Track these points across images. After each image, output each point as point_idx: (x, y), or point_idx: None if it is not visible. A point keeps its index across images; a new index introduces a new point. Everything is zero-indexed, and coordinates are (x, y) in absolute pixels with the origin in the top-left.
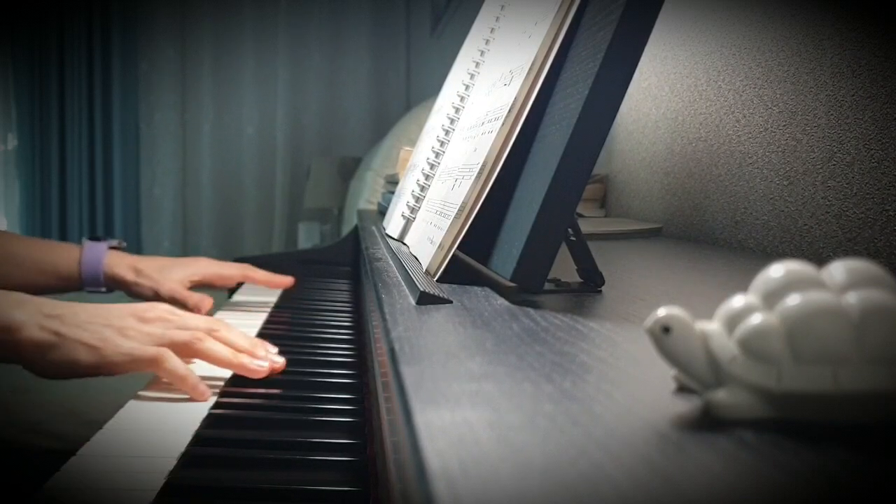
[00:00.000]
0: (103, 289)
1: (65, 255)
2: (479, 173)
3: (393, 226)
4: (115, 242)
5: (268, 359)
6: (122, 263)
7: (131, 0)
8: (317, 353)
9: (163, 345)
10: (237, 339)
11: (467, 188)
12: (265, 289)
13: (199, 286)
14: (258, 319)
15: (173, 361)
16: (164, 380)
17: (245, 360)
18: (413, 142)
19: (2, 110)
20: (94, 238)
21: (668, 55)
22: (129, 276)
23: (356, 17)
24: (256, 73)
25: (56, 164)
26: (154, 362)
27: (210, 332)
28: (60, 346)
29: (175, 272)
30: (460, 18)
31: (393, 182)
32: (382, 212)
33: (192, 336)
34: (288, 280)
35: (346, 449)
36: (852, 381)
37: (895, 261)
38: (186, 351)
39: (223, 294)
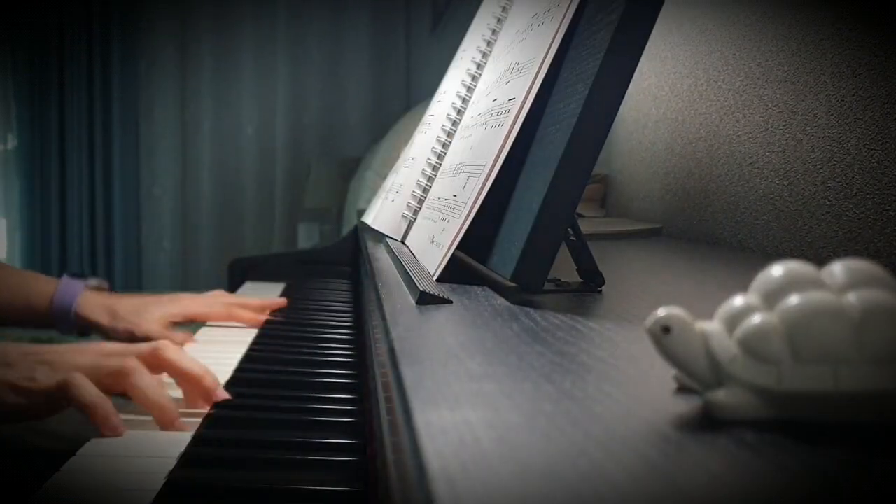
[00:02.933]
0: (75, 331)
1: (40, 289)
2: (480, 173)
3: (382, 222)
4: (94, 282)
5: (216, 393)
6: (96, 305)
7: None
8: (316, 353)
9: (93, 377)
10: (186, 361)
11: (468, 188)
12: (265, 289)
13: (183, 324)
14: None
15: (81, 388)
16: (76, 408)
17: (167, 403)
18: None
19: (1, 110)
20: (76, 275)
21: (668, 55)
22: (104, 319)
23: (356, 16)
24: (256, 73)
25: (56, 164)
26: (61, 389)
27: (154, 354)
28: None
29: (153, 312)
30: (461, 18)
31: None
32: None
33: (123, 367)
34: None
35: (346, 449)
36: (852, 381)
37: (895, 261)
38: (119, 383)
39: None
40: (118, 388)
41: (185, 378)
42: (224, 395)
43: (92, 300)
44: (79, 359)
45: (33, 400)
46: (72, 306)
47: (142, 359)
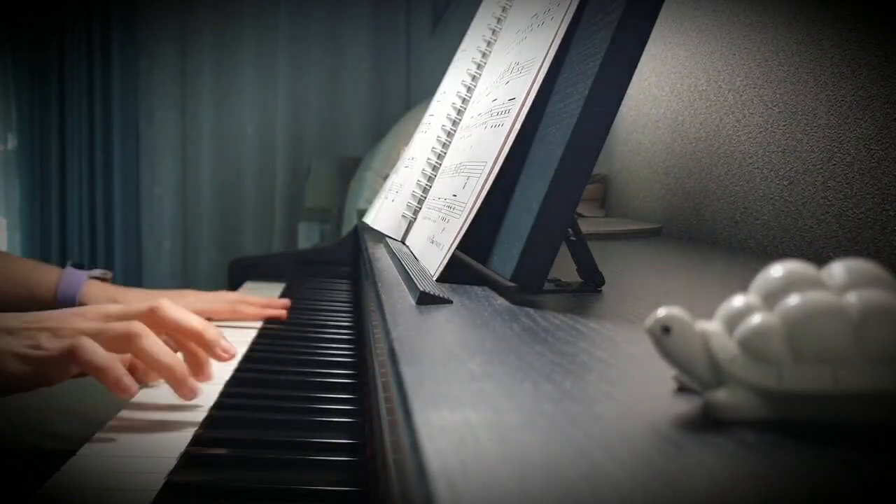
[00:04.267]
0: None
1: (43, 278)
2: (480, 173)
3: (382, 221)
4: (98, 273)
5: (219, 345)
6: (100, 296)
7: (131, 0)
8: (317, 353)
9: (99, 341)
10: (186, 317)
11: (468, 187)
12: (265, 289)
13: None
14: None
15: (90, 352)
16: (86, 371)
17: (176, 362)
18: None
19: (2, 110)
20: (79, 266)
21: (668, 55)
22: None
23: (356, 16)
24: (256, 73)
25: (56, 163)
26: (69, 354)
27: (154, 313)
28: None
29: None
30: (460, 18)
31: None
32: None
33: (128, 330)
34: (282, 312)
35: (346, 449)
36: (852, 381)
37: (895, 261)
38: (125, 346)
39: None
40: (124, 352)
41: (185, 334)
42: (230, 348)
43: (96, 290)
44: (82, 324)
45: (40, 367)
46: (76, 296)
47: (141, 319)
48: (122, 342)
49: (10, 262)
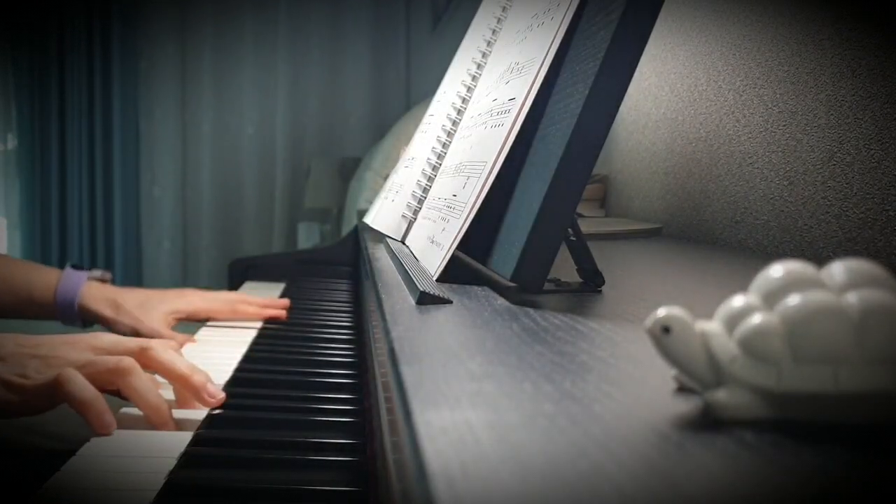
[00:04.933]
0: (78, 323)
1: (42, 280)
2: (480, 173)
3: (382, 221)
4: (97, 273)
5: (206, 390)
6: (99, 297)
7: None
8: (317, 353)
9: (87, 373)
10: (175, 362)
11: (468, 187)
12: (265, 289)
13: (187, 321)
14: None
15: (76, 385)
16: (69, 405)
17: (161, 404)
18: None
19: (2, 110)
20: (79, 267)
21: (668, 55)
22: (108, 312)
23: (356, 16)
24: (256, 73)
25: (56, 163)
26: (54, 385)
27: (144, 354)
28: None
29: (158, 308)
30: (460, 18)
31: None
32: None
33: (118, 366)
34: (281, 312)
35: (346, 449)
36: (852, 381)
37: (895, 261)
38: (113, 381)
39: None
40: (112, 387)
41: (173, 378)
42: (216, 392)
43: (95, 292)
44: (72, 354)
45: (25, 396)
46: (75, 297)
47: (132, 356)
48: (110, 377)
49: (9, 263)
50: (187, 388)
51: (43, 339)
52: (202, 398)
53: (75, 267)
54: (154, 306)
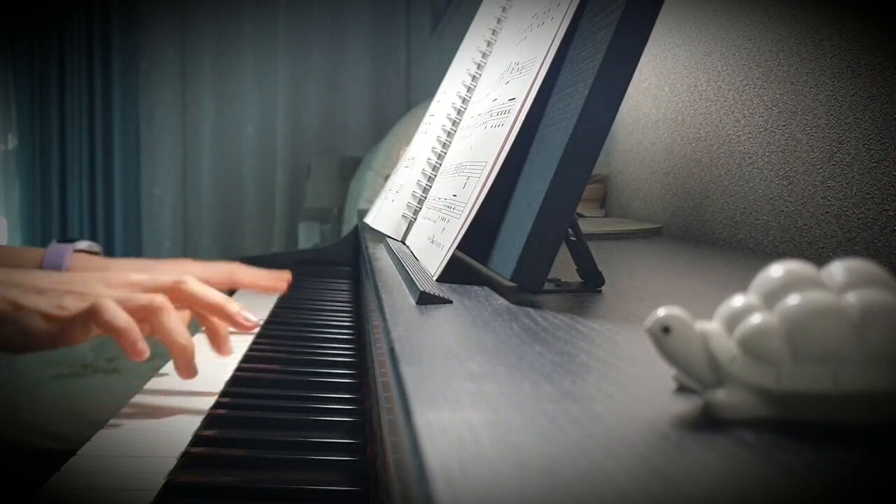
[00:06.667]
0: None
1: (27, 257)
2: (480, 173)
3: (382, 221)
4: (84, 245)
5: (241, 315)
6: (87, 268)
7: (131, 0)
8: (317, 353)
9: (120, 307)
10: (209, 292)
11: (468, 187)
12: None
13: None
14: (258, 318)
15: (111, 312)
16: (105, 332)
17: (189, 344)
18: None
19: (2, 110)
20: (67, 240)
21: (668, 55)
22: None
23: (356, 17)
24: (256, 73)
25: (56, 163)
26: (90, 313)
27: (178, 288)
28: (18, 318)
29: None
30: (460, 19)
31: None
32: None
33: (151, 303)
34: (281, 283)
35: (346, 449)
36: (852, 381)
37: (895, 261)
38: (145, 318)
39: None
40: (144, 323)
41: (209, 307)
42: (251, 319)
43: (82, 262)
44: (106, 290)
45: (63, 326)
46: (61, 269)
47: (165, 292)
48: (143, 313)
49: None
50: (224, 316)
51: (76, 276)
52: (238, 323)
53: (64, 241)
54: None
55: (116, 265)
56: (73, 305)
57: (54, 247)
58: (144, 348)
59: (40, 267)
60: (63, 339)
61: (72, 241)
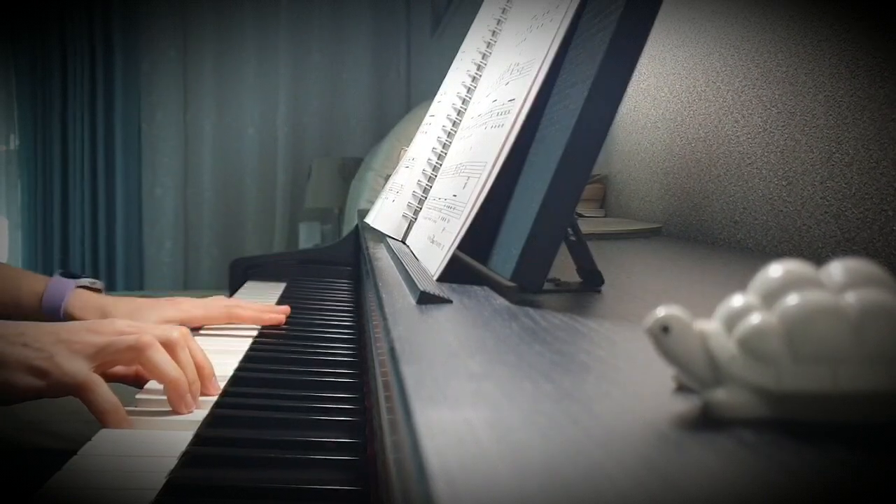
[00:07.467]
0: None
1: (29, 286)
2: (480, 173)
3: (382, 221)
4: (86, 281)
5: (180, 403)
6: (87, 306)
7: (133, 0)
8: (317, 353)
9: (107, 355)
10: (198, 354)
11: (468, 188)
12: (266, 289)
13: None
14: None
15: (96, 395)
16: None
17: (180, 378)
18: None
19: (4, 111)
20: (69, 274)
21: (667, 56)
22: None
23: (357, 17)
24: (257, 74)
25: (58, 164)
26: (79, 390)
27: (139, 353)
28: (2, 373)
29: (149, 317)
30: (460, 20)
31: None
32: None
33: (138, 342)
34: (281, 317)
35: (347, 448)
36: (852, 381)
37: (894, 261)
38: (133, 358)
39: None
40: (132, 363)
41: (159, 381)
42: (191, 407)
43: (83, 300)
44: (95, 339)
45: (49, 382)
46: (61, 305)
47: (126, 352)
48: (131, 353)
49: None
50: (170, 393)
51: (66, 325)
52: (177, 409)
53: (66, 275)
54: (145, 315)
55: (115, 304)
56: (64, 361)
57: (56, 281)
58: (190, 403)
59: (40, 300)
60: (46, 394)
61: (75, 276)
